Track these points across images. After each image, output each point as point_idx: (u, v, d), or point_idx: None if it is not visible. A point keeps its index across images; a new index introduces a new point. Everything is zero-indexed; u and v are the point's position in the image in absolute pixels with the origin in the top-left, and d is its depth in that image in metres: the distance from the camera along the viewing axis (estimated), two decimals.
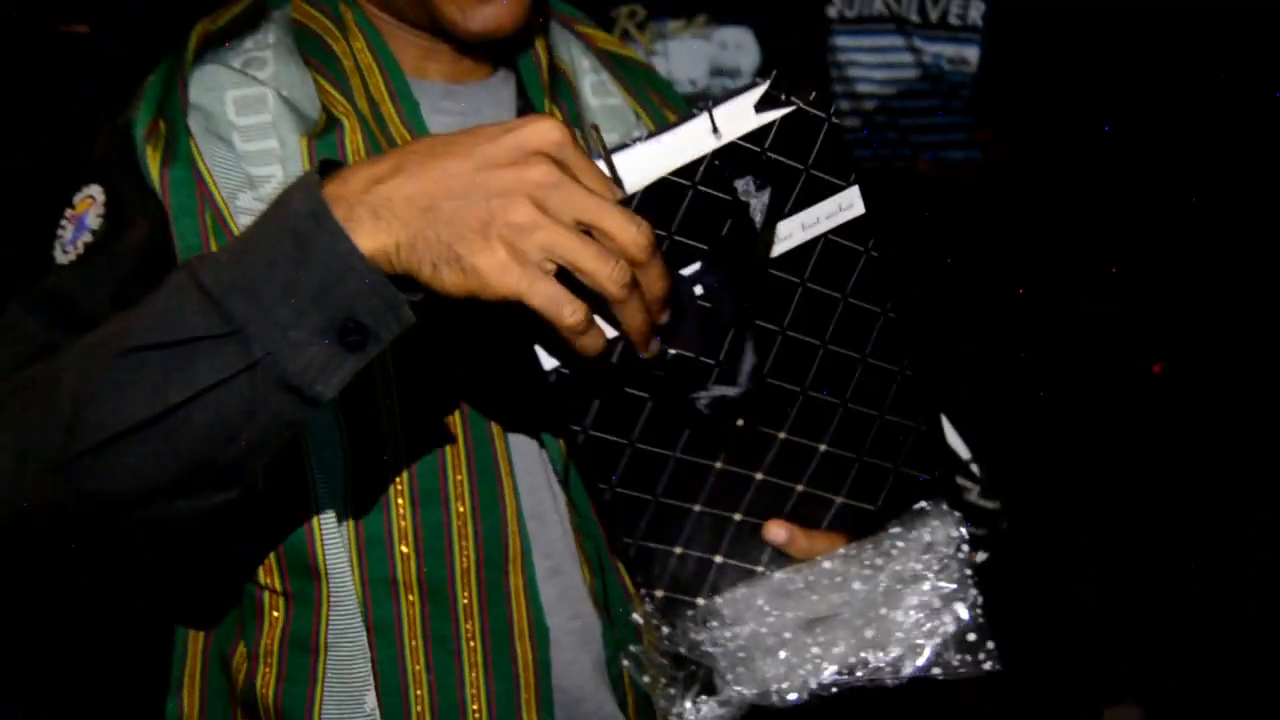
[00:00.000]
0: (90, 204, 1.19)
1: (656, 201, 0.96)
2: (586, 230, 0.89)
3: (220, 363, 0.91)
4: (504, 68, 1.32)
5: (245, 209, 1.13)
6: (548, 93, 1.31)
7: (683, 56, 2.70)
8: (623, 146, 0.97)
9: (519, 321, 0.94)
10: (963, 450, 1.39)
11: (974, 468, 1.39)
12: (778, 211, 1.03)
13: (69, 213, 1.20)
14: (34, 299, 1.15)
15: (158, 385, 0.92)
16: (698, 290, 1.01)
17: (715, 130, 0.98)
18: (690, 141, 0.97)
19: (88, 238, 1.17)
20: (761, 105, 0.99)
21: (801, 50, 2.82)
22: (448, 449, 1.15)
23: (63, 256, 1.17)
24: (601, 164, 0.96)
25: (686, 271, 1.00)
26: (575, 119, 1.31)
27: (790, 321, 1.06)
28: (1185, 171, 2.84)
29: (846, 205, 1.06)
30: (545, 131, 0.91)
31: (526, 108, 1.31)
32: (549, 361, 0.99)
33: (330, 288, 0.89)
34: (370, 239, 0.89)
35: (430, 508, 1.14)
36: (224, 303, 0.90)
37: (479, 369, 1.16)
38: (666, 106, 1.40)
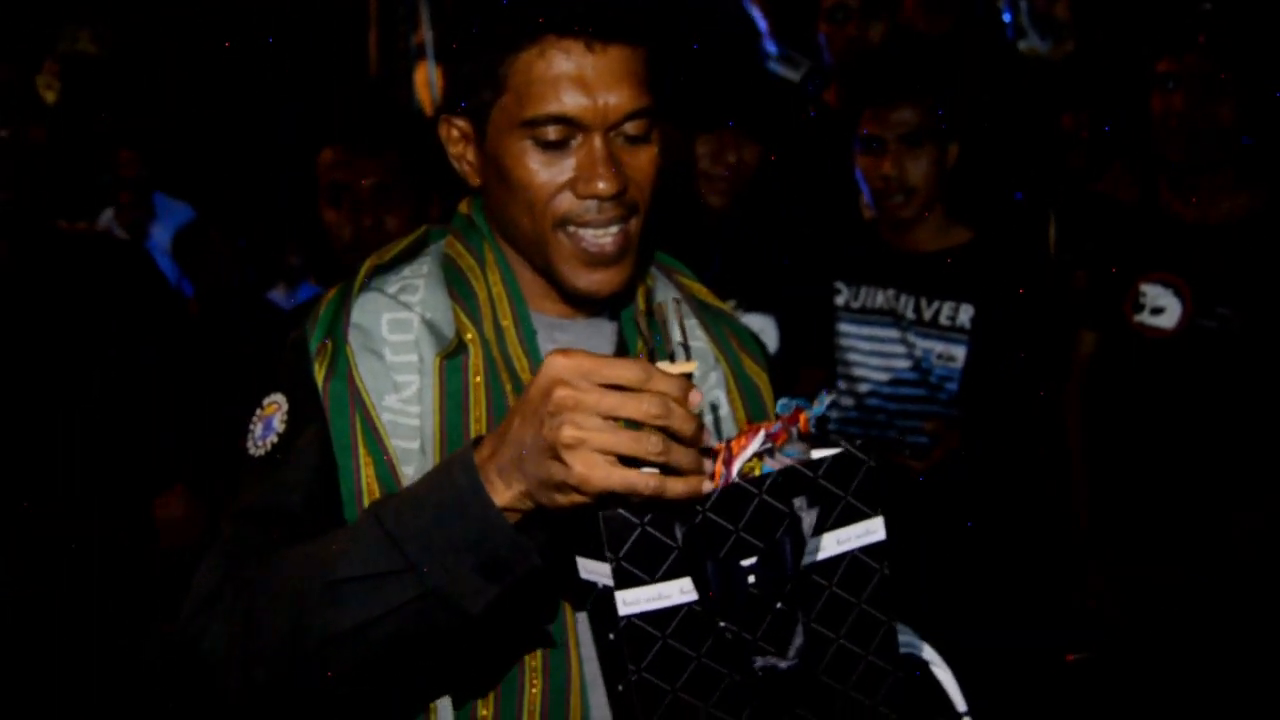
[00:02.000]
0: (276, 409, 1.49)
1: (731, 499, 1.23)
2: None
3: (402, 590, 1.24)
4: (609, 308, 1.58)
5: (389, 408, 1.44)
6: (642, 332, 1.53)
7: None
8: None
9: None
10: (959, 701, 1.51)
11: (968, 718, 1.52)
12: (820, 527, 1.27)
13: (258, 413, 1.50)
14: (241, 518, 1.43)
15: (360, 605, 1.26)
16: (750, 580, 1.24)
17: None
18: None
19: (274, 438, 1.46)
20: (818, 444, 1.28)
21: (812, 336, 3.22)
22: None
23: (254, 449, 1.48)
24: (675, 330, 1.29)
25: (745, 563, 1.24)
26: (662, 352, 1.52)
27: (816, 616, 1.29)
28: None
29: (872, 530, 1.31)
30: (553, 367, 1.17)
31: (623, 344, 1.57)
32: (624, 608, 1.21)
33: (482, 540, 1.22)
34: (502, 496, 1.21)
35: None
36: (404, 546, 1.24)
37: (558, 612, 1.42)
38: (744, 351, 1.63)
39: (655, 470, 1.17)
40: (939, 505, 3.01)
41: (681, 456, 1.18)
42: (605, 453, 1.16)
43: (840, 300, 3.24)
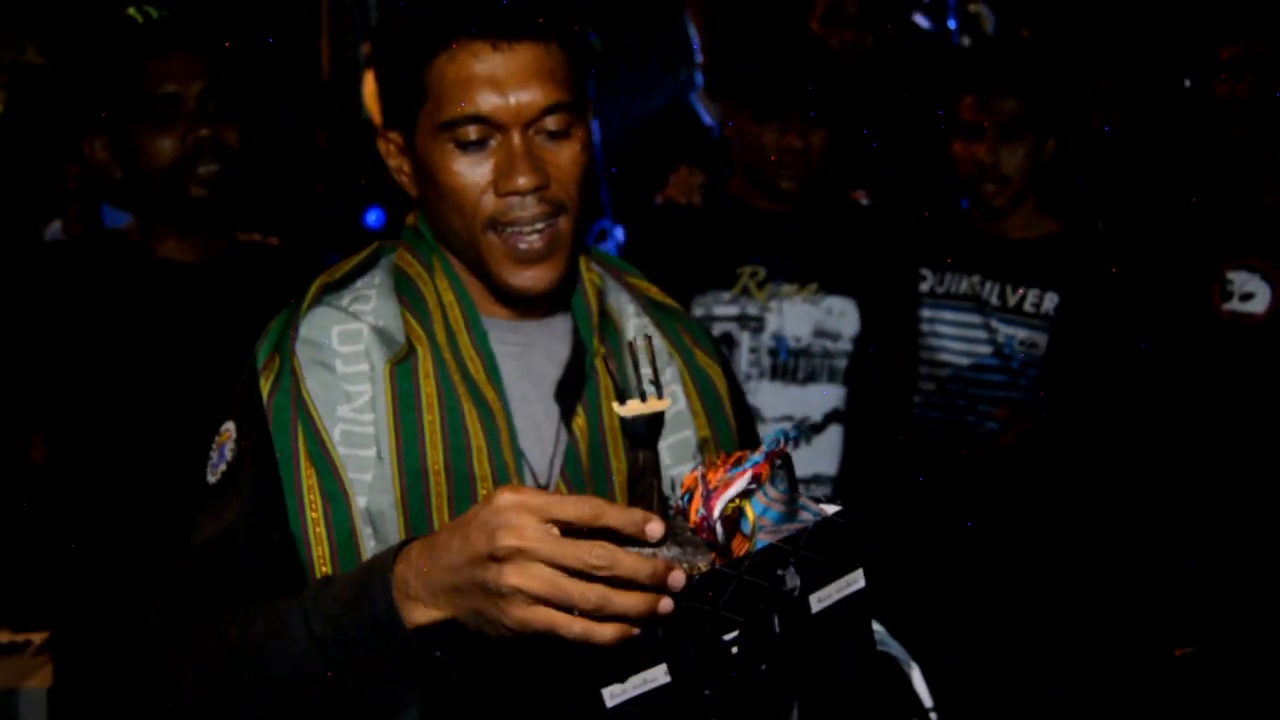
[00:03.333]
0: (228, 437, 1.50)
1: (710, 583, 1.17)
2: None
3: (325, 691, 1.28)
4: (562, 310, 1.59)
5: (343, 418, 1.45)
6: (596, 332, 1.58)
7: (792, 315, 3.09)
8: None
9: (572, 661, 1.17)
10: (926, 698, 1.51)
11: (933, 716, 1.52)
12: (805, 591, 1.24)
13: (216, 440, 1.52)
14: (194, 558, 1.45)
15: (285, 703, 1.31)
16: (734, 650, 1.21)
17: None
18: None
19: (224, 467, 1.49)
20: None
21: (894, 319, 3.21)
22: None
23: (211, 477, 1.50)
24: (646, 369, 1.26)
25: (727, 637, 1.20)
26: (619, 353, 1.58)
27: (804, 672, 1.27)
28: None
29: (853, 582, 1.28)
30: (501, 502, 1.14)
31: (579, 344, 1.58)
32: (611, 699, 1.18)
33: (401, 656, 1.22)
34: (425, 615, 1.20)
35: None
36: (328, 652, 1.26)
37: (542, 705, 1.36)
38: (696, 346, 1.66)
39: (579, 621, 1.13)
40: (1012, 495, 3.00)
41: (622, 602, 1.13)
42: (544, 598, 1.13)
43: (925, 286, 3.24)
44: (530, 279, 1.50)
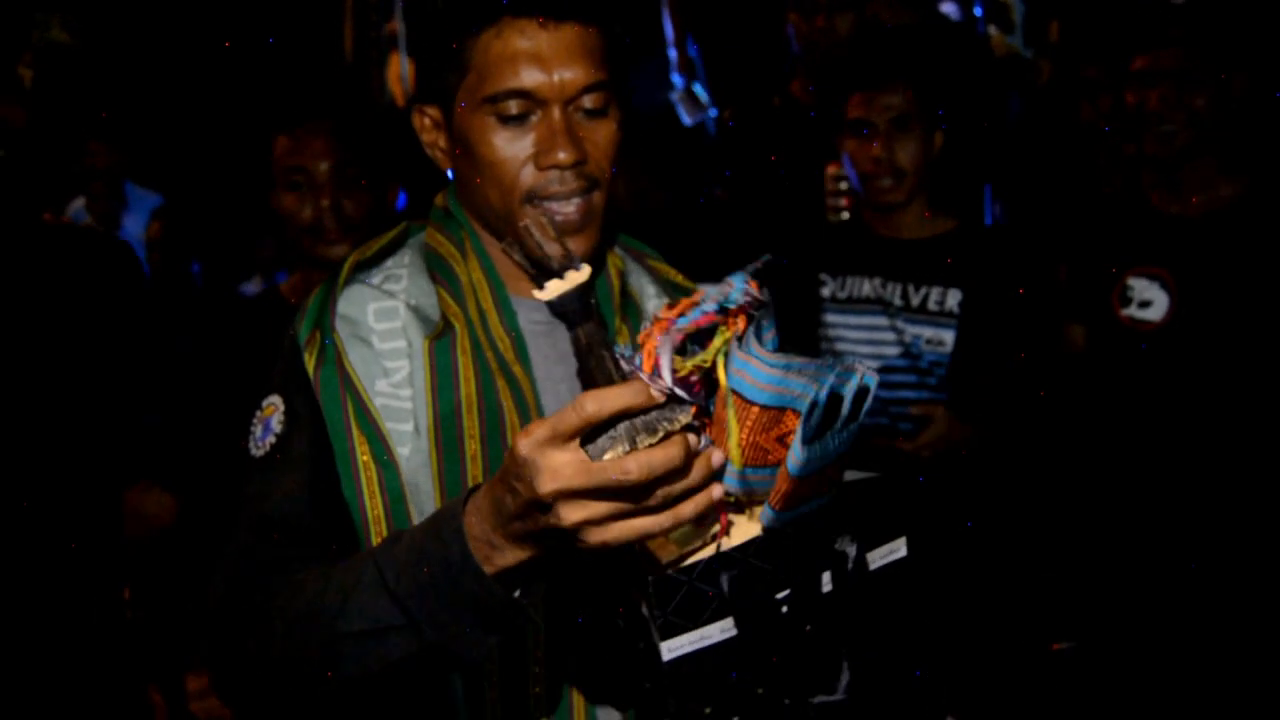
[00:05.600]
0: (274, 410, 1.54)
1: (771, 543, 1.23)
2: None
3: (404, 644, 1.31)
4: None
5: (381, 393, 1.49)
6: (618, 313, 1.60)
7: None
8: None
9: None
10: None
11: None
12: (861, 551, 1.29)
13: (258, 414, 1.55)
14: (251, 527, 1.48)
15: (362, 658, 1.33)
16: (784, 610, 1.24)
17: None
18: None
19: (273, 439, 1.52)
20: None
21: (800, 328, 3.21)
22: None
23: (255, 450, 1.53)
24: (550, 246, 1.31)
25: (779, 595, 1.24)
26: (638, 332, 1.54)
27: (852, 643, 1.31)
28: None
29: (895, 550, 1.33)
30: (527, 462, 1.16)
31: (601, 323, 1.54)
32: (668, 652, 1.21)
33: (478, 603, 1.26)
34: (501, 560, 1.24)
35: None
36: (405, 603, 1.29)
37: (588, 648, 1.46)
38: None
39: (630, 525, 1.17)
40: (932, 493, 2.99)
41: (677, 487, 1.17)
42: (614, 518, 1.17)
43: (826, 292, 3.24)
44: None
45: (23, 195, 2.29)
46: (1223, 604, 2.88)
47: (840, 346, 3.20)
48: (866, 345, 3.18)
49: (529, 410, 1.52)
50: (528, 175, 1.50)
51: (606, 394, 1.16)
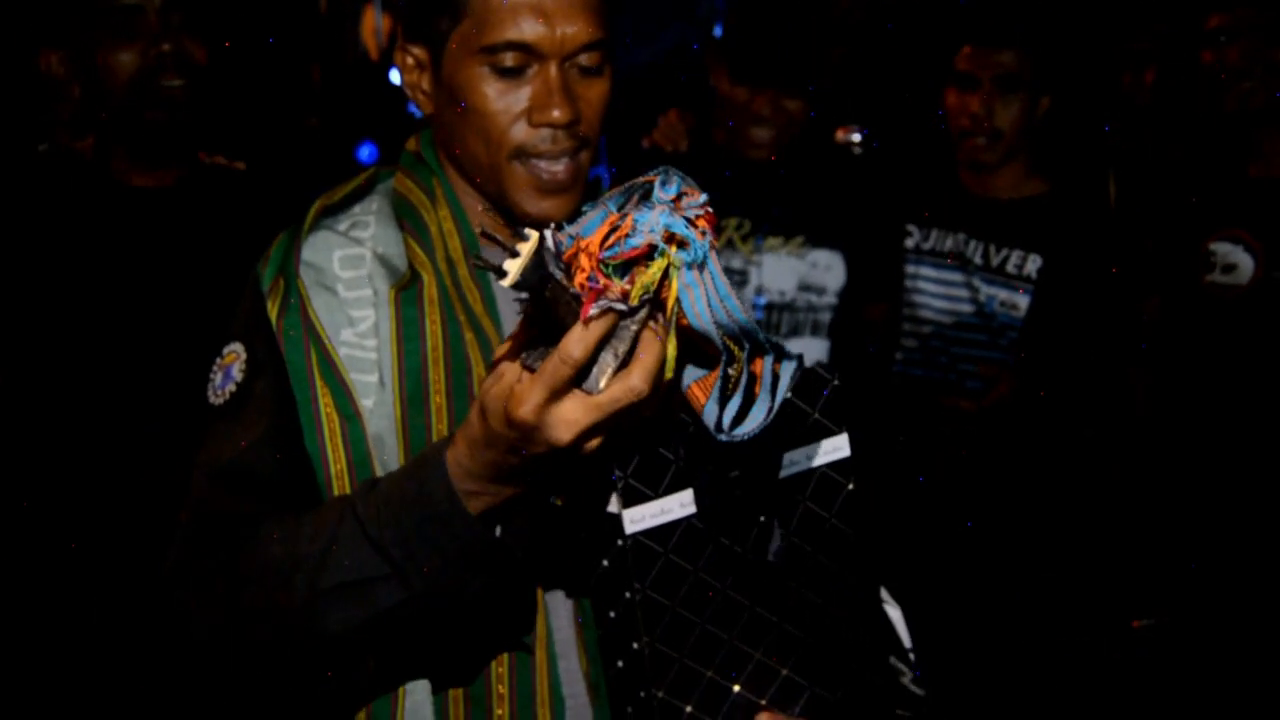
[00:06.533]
0: (235, 358, 1.50)
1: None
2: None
3: (390, 593, 1.31)
4: None
5: (345, 342, 1.46)
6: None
7: (776, 269, 3.06)
8: None
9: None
10: (905, 638, 1.54)
11: (912, 655, 1.53)
12: (790, 440, 1.34)
13: (219, 362, 1.51)
14: (212, 479, 1.44)
15: (348, 610, 1.32)
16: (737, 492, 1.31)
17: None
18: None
19: (233, 387, 1.48)
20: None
21: (879, 274, 3.21)
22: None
23: (214, 398, 1.49)
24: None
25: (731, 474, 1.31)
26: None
27: (794, 528, 1.36)
28: None
29: (839, 447, 1.38)
30: (495, 397, 1.19)
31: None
32: (630, 526, 1.27)
33: (465, 547, 1.27)
34: (480, 505, 1.26)
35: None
36: (389, 552, 1.29)
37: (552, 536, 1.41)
38: None
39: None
40: (989, 453, 2.99)
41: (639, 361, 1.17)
42: (604, 419, 1.18)
43: (910, 242, 3.23)
44: (548, 208, 1.49)
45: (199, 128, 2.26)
46: None
47: (916, 298, 3.21)
48: (942, 300, 3.19)
49: None
50: (519, 131, 1.46)
51: (585, 334, 1.14)
